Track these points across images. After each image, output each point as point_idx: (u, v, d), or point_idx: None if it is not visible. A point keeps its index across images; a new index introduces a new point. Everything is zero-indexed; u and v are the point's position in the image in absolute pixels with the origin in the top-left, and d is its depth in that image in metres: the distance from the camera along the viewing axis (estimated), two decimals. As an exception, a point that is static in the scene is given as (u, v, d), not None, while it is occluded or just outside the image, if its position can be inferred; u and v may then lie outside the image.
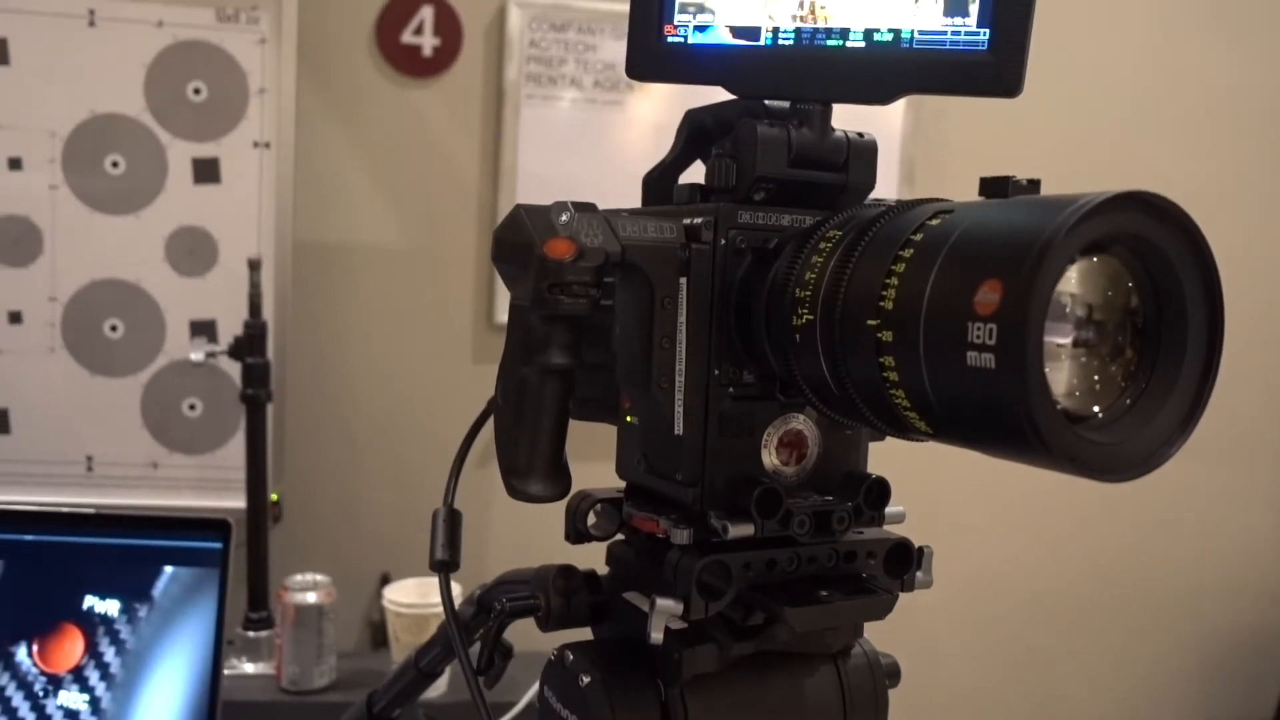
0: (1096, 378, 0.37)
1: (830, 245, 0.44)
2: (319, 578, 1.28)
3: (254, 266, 1.30)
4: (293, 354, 1.52)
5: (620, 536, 0.59)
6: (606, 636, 0.58)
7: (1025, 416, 0.34)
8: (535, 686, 1.24)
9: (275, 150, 1.47)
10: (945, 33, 0.48)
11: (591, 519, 0.59)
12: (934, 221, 0.40)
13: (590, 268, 0.47)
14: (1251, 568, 1.92)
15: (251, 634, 1.33)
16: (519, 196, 1.59)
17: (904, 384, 0.39)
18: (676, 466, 0.51)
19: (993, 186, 0.55)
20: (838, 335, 0.42)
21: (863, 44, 0.49)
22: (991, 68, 0.47)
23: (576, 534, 0.59)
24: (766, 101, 0.53)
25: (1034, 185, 0.55)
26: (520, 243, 0.48)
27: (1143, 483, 0.37)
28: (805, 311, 0.44)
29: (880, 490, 0.52)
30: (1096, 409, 0.37)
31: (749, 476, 0.51)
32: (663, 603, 0.48)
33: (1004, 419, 0.35)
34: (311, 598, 1.24)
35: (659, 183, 0.59)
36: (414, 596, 1.29)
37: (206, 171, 1.46)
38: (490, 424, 0.56)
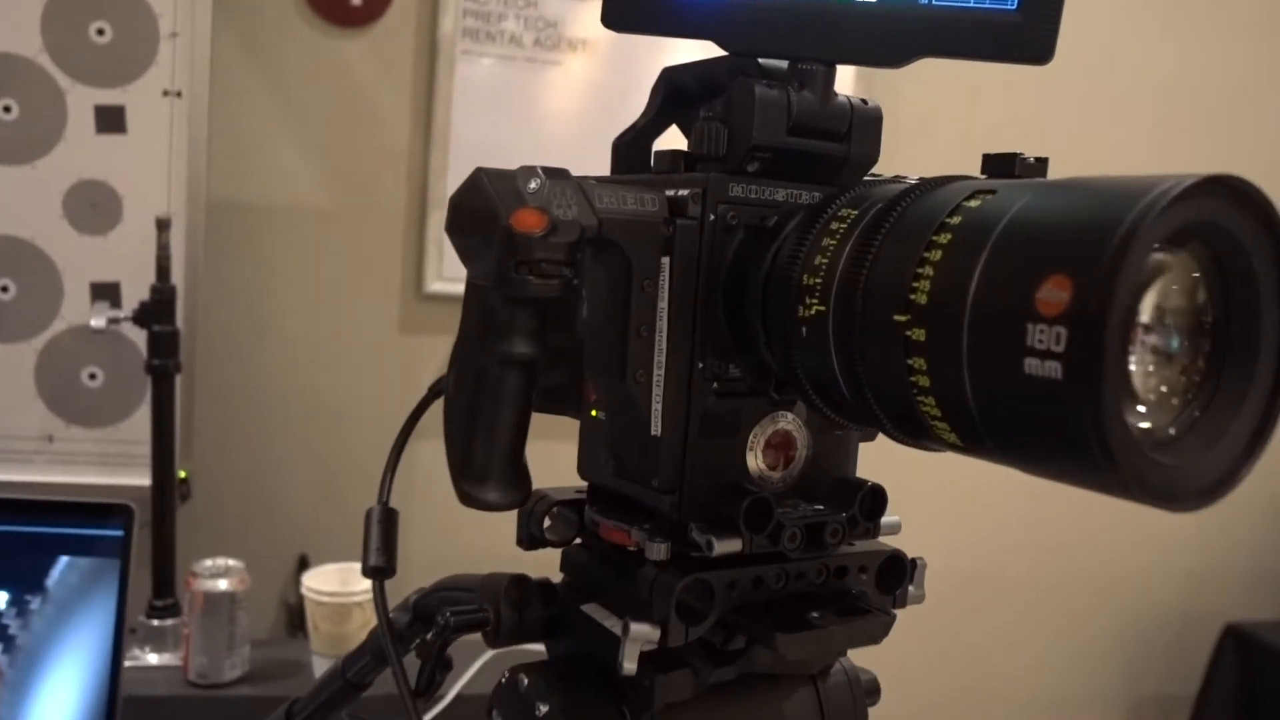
0: (1164, 389, 0.32)
1: (845, 226, 0.38)
2: (231, 563, 1.19)
3: (162, 226, 1.20)
4: (204, 321, 1.41)
5: (578, 540, 0.53)
6: (563, 654, 0.52)
7: (1095, 435, 0.29)
8: (462, 682, 1.18)
9: (187, 100, 1.35)
10: (970, -12, 0.42)
11: (547, 522, 0.54)
12: (973, 203, 0.34)
13: (563, 244, 0.41)
14: (1177, 550, 1.95)
15: (156, 622, 1.23)
16: (452, 158, 1.51)
17: (937, 390, 0.34)
18: (652, 471, 0.45)
19: (998, 164, 0.50)
20: (856, 331, 0.36)
21: (875, -2, 0.43)
22: (1020, 30, 0.41)
23: (530, 538, 0.53)
24: (761, 60, 0.47)
25: (1041, 164, 0.51)
26: (482, 212, 0.41)
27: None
28: (815, 301, 0.38)
29: (876, 499, 0.47)
30: (1164, 425, 0.32)
31: (733, 483, 0.45)
32: (637, 628, 0.43)
33: (1067, 437, 0.30)
34: (222, 584, 1.16)
35: (631, 148, 0.53)
36: (335, 584, 1.21)
37: (110, 120, 1.34)
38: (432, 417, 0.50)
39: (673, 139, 0.53)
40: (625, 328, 0.44)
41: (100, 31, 1.33)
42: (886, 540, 0.48)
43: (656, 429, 0.44)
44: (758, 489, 0.45)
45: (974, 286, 0.32)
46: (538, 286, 0.41)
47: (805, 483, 0.48)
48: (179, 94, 1.35)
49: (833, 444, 0.48)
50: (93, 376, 1.38)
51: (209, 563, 1.19)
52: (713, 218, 0.44)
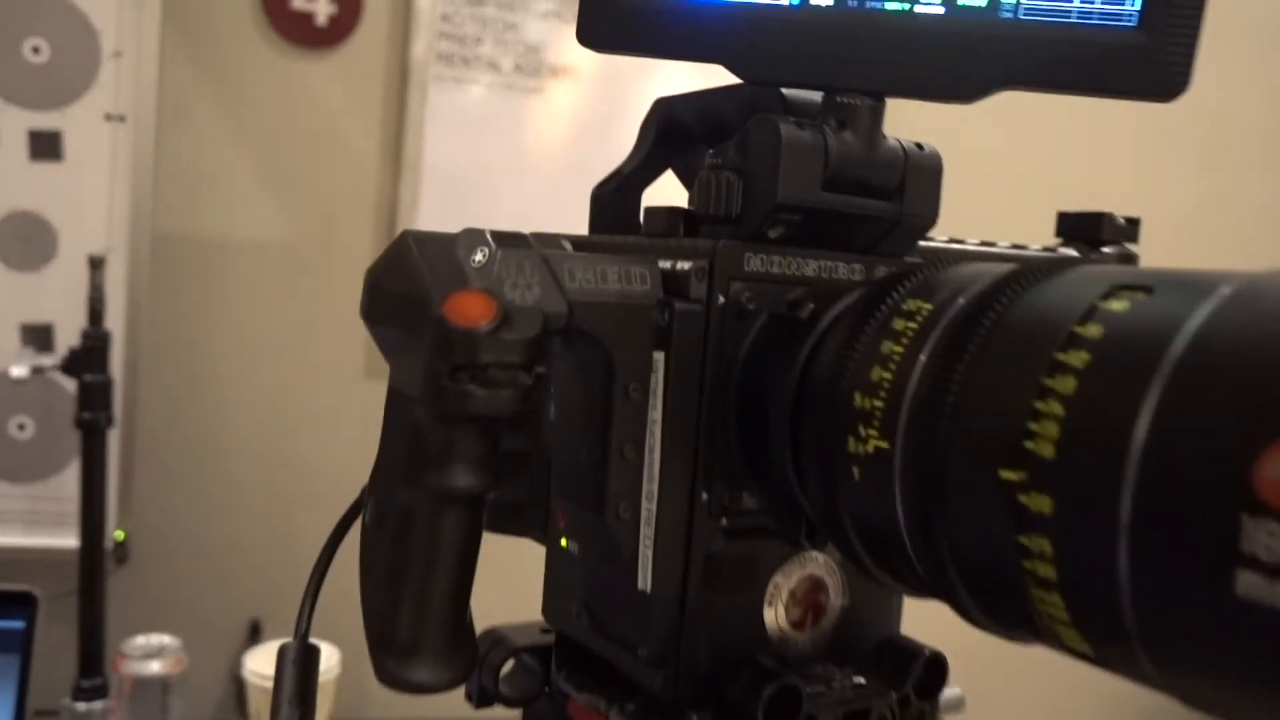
0: None
1: (915, 327, 0.27)
2: (166, 641, 1.07)
3: (96, 265, 1.08)
4: (147, 367, 1.29)
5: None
6: None
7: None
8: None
9: (132, 125, 1.24)
10: (1072, -2, 0.31)
11: (506, 667, 0.42)
12: (1116, 305, 0.23)
13: (518, 341, 0.30)
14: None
15: (82, 706, 1.10)
16: (423, 191, 1.40)
17: (1069, 587, 0.23)
18: (639, 635, 0.34)
19: (1079, 226, 0.39)
20: (936, 485, 0.25)
21: (941, 10, 0.33)
22: (1144, 54, 0.31)
23: (481, 692, 0.42)
24: (785, 91, 0.36)
25: (1133, 226, 0.40)
26: (408, 296, 0.30)
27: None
28: (873, 434, 0.27)
29: (935, 672, 0.35)
30: None
31: (746, 654, 0.34)
32: None
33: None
34: (154, 667, 1.03)
35: (615, 199, 0.42)
36: (282, 665, 1.08)
37: (46, 146, 1.22)
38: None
39: (667, 190, 0.42)
40: (605, 445, 0.33)
41: (35, 49, 1.21)
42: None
43: (645, 582, 0.33)
44: (778, 659, 0.34)
45: (1139, 441, 0.21)
46: (483, 400, 0.29)
47: (839, 643, 0.37)
48: (123, 118, 1.24)
49: (873, 591, 0.37)
50: (21, 427, 1.25)
51: (140, 640, 1.07)
52: (722, 300, 0.33)
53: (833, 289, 0.33)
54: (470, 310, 0.29)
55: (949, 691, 0.36)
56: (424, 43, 1.37)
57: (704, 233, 0.34)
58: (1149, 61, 0.30)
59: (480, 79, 1.40)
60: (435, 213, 1.39)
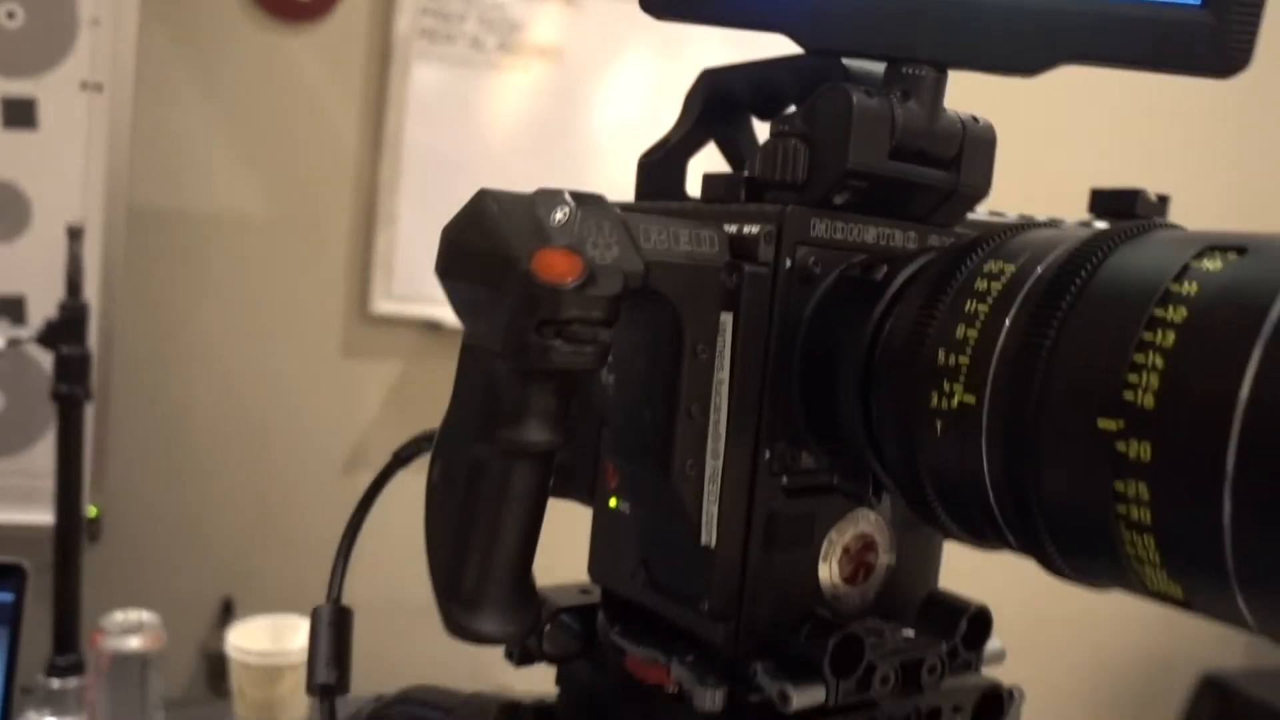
0: None
1: (1000, 286, 0.28)
2: (145, 617, 1.05)
3: (74, 235, 1.05)
4: (121, 341, 1.26)
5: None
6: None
7: None
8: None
9: (109, 94, 1.21)
10: (1135, -25, 0.32)
11: (545, 628, 0.43)
12: (1209, 265, 0.24)
13: (602, 299, 0.30)
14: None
15: (57, 683, 1.08)
16: (404, 167, 1.38)
17: (1164, 529, 0.24)
18: (701, 590, 0.35)
19: (1112, 202, 0.40)
20: (1028, 434, 0.26)
21: (1006, -16, 0.34)
22: (1206, 31, 0.32)
23: (522, 652, 0.42)
24: (846, 61, 0.37)
25: (1162, 202, 0.42)
26: (492, 254, 0.30)
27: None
28: (959, 388, 0.28)
29: (980, 625, 0.37)
30: None
31: (803, 606, 0.35)
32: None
33: None
34: (133, 643, 1.01)
35: (662, 169, 0.43)
36: (265, 641, 1.07)
37: (20, 114, 1.19)
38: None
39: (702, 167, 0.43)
40: (672, 406, 0.33)
41: (10, 15, 1.18)
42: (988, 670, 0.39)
43: (709, 537, 0.34)
44: (837, 615, 0.35)
45: (1246, 391, 0.22)
46: (566, 355, 0.30)
47: (886, 599, 0.38)
48: (99, 87, 1.21)
49: (918, 548, 0.39)
50: (-9, 401, 1.23)
51: (119, 616, 1.05)
52: (789, 263, 0.34)
53: (896, 255, 0.34)
54: (558, 266, 0.29)
55: (991, 644, 0.38)
56: (407, 19, 1.36)
57: (768, 198, 0.35)
58: (1211, 38, 0.32)
59: (463, 57, 1.39)
60: (415, 190, 1.38)
